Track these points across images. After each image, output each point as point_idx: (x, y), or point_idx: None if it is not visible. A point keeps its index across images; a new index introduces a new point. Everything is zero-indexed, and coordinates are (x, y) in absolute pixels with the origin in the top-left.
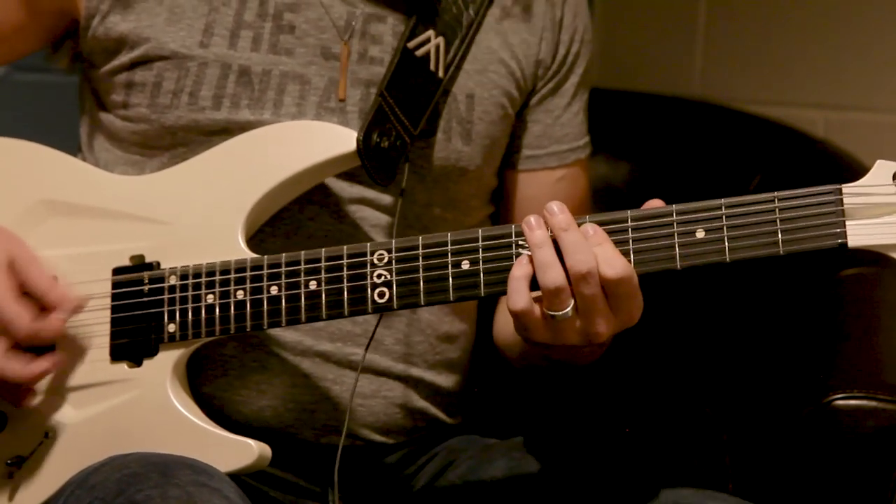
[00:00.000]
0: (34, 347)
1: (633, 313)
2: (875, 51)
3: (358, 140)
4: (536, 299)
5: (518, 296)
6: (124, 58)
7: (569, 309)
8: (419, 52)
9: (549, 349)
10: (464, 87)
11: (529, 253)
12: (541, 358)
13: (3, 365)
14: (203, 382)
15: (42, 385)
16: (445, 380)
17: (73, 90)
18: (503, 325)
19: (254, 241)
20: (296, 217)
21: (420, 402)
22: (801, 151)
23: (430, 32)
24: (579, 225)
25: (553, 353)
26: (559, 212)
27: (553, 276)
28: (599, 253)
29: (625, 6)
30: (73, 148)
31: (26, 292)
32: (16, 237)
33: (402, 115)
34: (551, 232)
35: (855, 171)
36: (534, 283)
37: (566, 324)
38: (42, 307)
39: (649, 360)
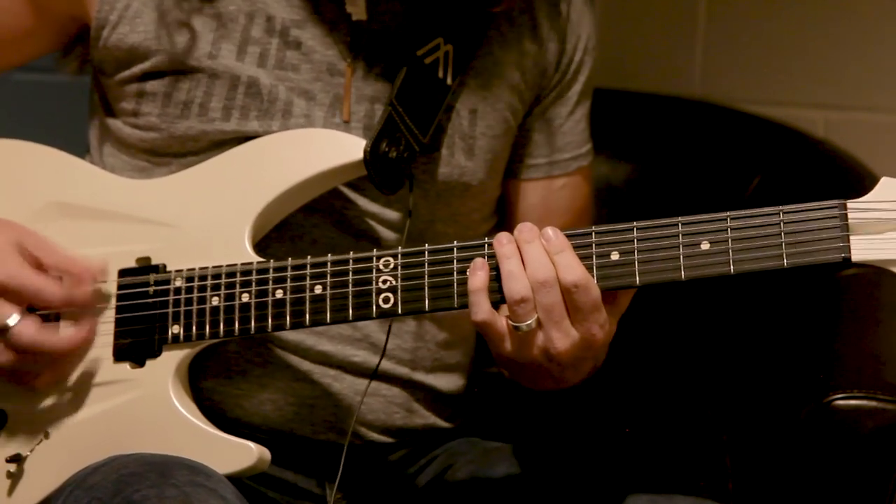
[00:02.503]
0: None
1: (594, 331)
2: (875, 51)
3: (365, 150)
4: (501, 312)
5: (478, 308)
6: (135, 68)
7: (532, 321)
8: (428, 60)
9: (516, 370)
10: (467, 103)
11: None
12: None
13: (44, 339)
14: (204, 378)
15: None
16: (445, 384)
17: (73, 91)
18: None
19: (259, 246)
20: (301, 224)
21: (419, 404)
22: (801, 151)
23: (440, 40)
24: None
25: (520, 375)
26: (527, 230)
27: (518, 287)
28: (560, 260)
29: (625, 6)
30: (72, 149)
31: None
32: (17, 224)
33: (412, 123)
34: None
35: (855, 171)
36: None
37: (529, 336)
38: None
39: (649, 360)
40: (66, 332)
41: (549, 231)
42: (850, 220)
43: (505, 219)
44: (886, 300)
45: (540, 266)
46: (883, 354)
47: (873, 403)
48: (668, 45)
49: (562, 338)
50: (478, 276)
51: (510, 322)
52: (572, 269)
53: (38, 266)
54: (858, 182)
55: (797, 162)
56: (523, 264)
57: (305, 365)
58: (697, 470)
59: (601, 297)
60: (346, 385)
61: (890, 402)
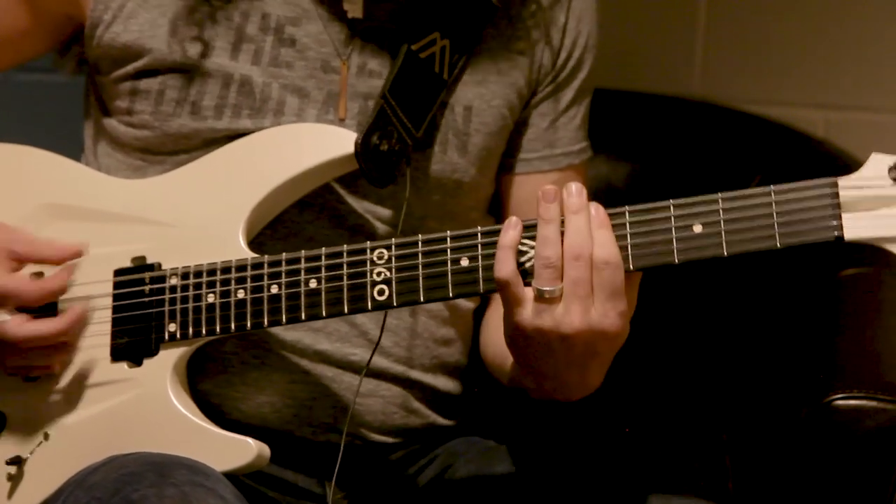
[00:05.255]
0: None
1: (611, 317)
2: (875, 51)
3: (356, 143)
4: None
5: (502, 264)
6: (129, 67)
7: (556, 288)
8: (423, 55)
9: (522, 353)
10: (462, 99)
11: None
12: (520, 375)
13: (33, 328)
14: (202, 380)
15: (43, 385)
16: (443, 382)
17: (72, 91)
18: (489, 343)
19: (253, 243)
20: (295, 221)
21: (418, 403)
22: (801, 151)
23: (436, 35)
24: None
25: (525, 358)
26: (576, 194)
27: (550, 252)
28: (598, 236)
29: (625, 6)
30: (71, 149)
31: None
32: (11, 227)
33: (405, 117)
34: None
35: (855, 171)
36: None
37: (549, 305)
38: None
39: (649, 360)
40: (57, 318)
41: (594, 206)
42: (841, 199)
43: (499, 214)
44: (886, 300)
45: (580, 238)
46: (883, 354)
47: (873, 403)
48: (668, 45)
49: (580, 314)
50: (508, 234)
51: (536, 286)
52: (607, 247)
53: (18, 261)
54: None
55: (797, 162)
56: (562, 232)
57: (303, 364)
58: (697, 470)
59: None
60: (344, 385)
61: (890, 402)
